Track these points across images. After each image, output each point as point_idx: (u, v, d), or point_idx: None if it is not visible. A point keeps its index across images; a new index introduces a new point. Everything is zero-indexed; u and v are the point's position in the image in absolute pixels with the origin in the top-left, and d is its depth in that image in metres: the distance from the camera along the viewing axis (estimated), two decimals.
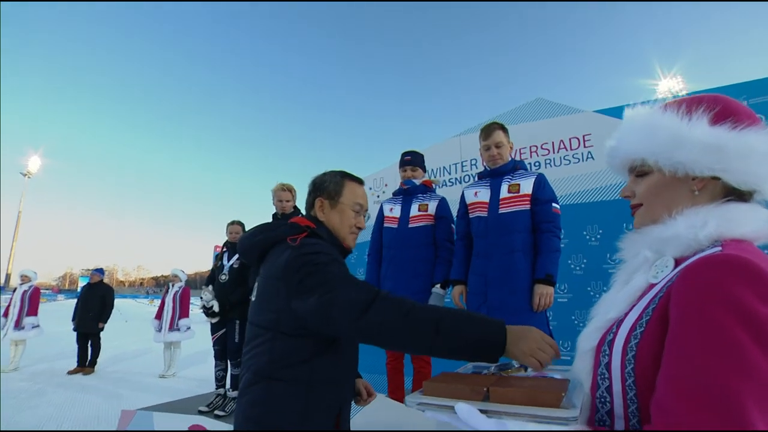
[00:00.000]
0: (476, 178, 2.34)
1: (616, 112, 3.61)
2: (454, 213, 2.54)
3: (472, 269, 2.18)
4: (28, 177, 34.40)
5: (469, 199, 2.27)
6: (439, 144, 4.84)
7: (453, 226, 2.51)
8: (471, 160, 4.55)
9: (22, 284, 6.02)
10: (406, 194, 2.65)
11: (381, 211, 2.79)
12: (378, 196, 5.41)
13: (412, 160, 2.67)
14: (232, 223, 3.78)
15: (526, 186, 2.06)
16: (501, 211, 2.08)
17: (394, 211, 2.65)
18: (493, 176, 2.19)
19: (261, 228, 1.22)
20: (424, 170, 2.74)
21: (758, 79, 3.15)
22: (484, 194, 2.18)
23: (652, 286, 0.63)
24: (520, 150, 4.09)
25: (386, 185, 5.36)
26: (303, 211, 1.38)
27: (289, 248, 1.09)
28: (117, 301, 6.42)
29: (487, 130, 2.20)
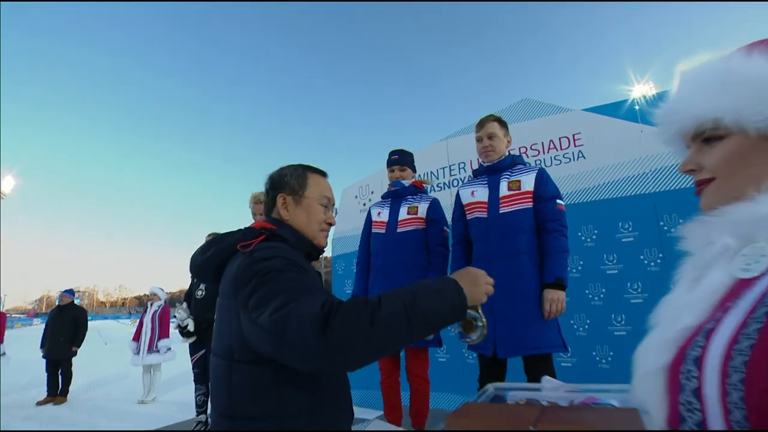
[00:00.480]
0: (471, 177, 2.18)
1: (606, 110, 3.54)
2: (448, 217, 2.39)
3: None
4: (2, 198, 33.15)
5: (466, 199, 2.10)
6: (425, 148, 4.72)
7: (446, 229, 2.35)
8: (459, 163, 4.44)
9: None
10: (395, 197, 2.47)
11: (369, 216, 2.61)
12: (364, 204, 5.25)
13: (399, 159, 2.49)
14: (210, 235, 3.55)
15: (528, 182, 1.91)
16: (502, 210, 1.91)
17: (381, 215, 2.47)
18: (490, 173, 2.03)
19: (212, 241, 1.06)
20: (414, 170, 2.56)
21: None
22: (482, 193, 2.01)
23: (744, 282, 0.47)
24: (509, 152, 4.00)
25: (372, 192, 5.22)
26: None
27: (241, 257, 0.93)
28: (97, 323, 6.08)
29: (481, 122, 2.06)
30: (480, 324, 0.93)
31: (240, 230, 1.06)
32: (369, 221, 2.58)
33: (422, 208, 2.34)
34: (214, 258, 1.01)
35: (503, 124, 2.06)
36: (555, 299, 1.74)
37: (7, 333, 5.87)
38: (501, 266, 1.85)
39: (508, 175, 1.97)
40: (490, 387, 0.76)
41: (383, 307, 0.75)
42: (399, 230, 2.34)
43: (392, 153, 2.54)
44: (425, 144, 4.95)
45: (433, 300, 0.79)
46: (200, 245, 1.08)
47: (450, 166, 4.50)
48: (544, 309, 1.75)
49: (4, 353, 5.58)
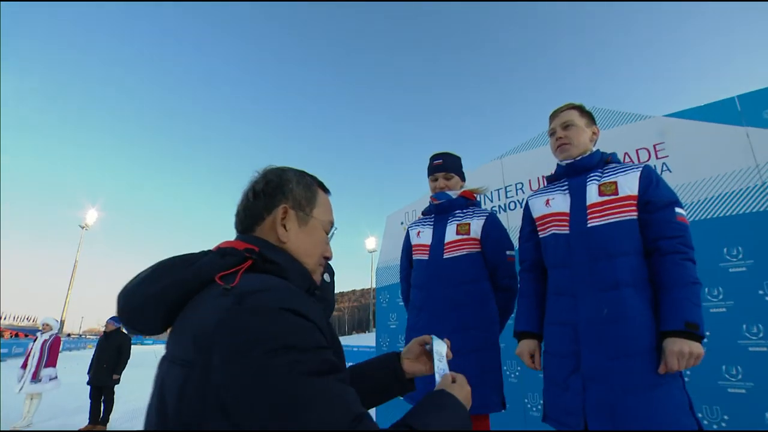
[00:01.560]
0: (545, 183, 1.68)
1: (696, 114, 2.97)
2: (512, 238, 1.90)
3: (551, 316, 1.47)
4: (86, 229, 36.31)
5: (539, 210, 1.58)
6: (478, 168, 4.31)
7: (510, 253, 1.83)
8: (516, 184, 3.98)
9: (43, 333, 5.78)
10: (439, 212, 1.97)
11: (407, 238, 2.12)
12: None
13: (444, 164, 1.96)
14: None
15: (628, 184, 1.37)
16: (591, 223, 1.38)
17: (422, 236, 1.96)
18: (571, 174, 1.51)
19: (162, 267, 0.69)
20: (463, 178, 2.03)
21: None
22: (561, 202, 1.49)
23: None
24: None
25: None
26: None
27: (220, 299, 0.59)
28: (156, 348, 6.03)
29: (554, 112, 1.60)
30: None
31: (208, 252, 0.72)
32: (408, 245, 2.09)
33: (476, 226, 1.83)
34: (169, 294, 0.66)
35: (585, 112, 1.57)
36: (686, 353, 1.14)
37: (77, 353, 5.97)
38: (593, 302, 1.32)
39: (598, 176, 1.44)
40: None
41: None
42: (446, 255, 1.82)
43: (434, 157, 2.01)
44: (478, 163, 4.52)
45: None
46: (140, 272, 0.70)
47: (506, 188, 4.05)
48: (670, 364, 1.17)
49: (56, 377, 5.64)
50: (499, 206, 4.07)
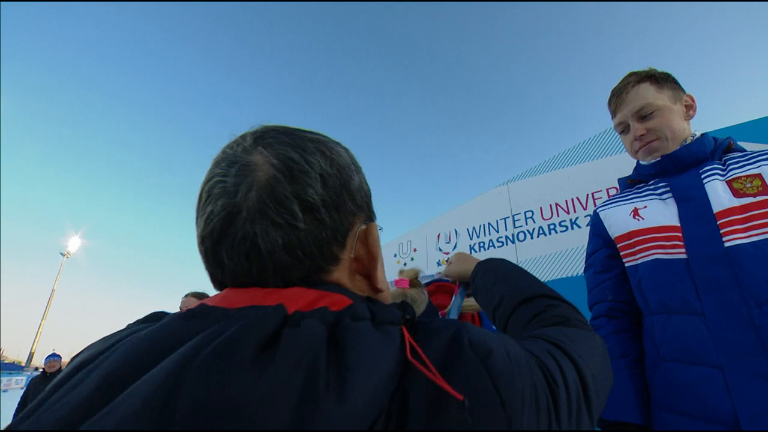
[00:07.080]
0: (622, 186, 1.11)
1: (740, 132, 2.60)
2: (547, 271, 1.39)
3: (673, 399, 0.81)
4: (67, 257, 34.94)
5: (623, 226, 0.99)
6: (482, 195, 3.90)
7: None
8: (525, 212, 3.54)
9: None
10: None
11: None
12: (405, 264, 4.37)
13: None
14: (188, 295, 2.42)
15: None
16: (731, 241, 0.80)
17: None
18: (670, 171, 0.96)
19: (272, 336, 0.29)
20: None
21: None
22: (661, 211, 0.92)
23: None
24: (592, 194, 3.06)
25: (415, 250, 4.40)
26: None
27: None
28: None
29: (616, 93, 1.03)
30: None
31: (361, 303, 0.36)
32: None
33: None
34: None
35: (663, 80, 0.98)
36: None
37: None
38: (760, 381, 0.71)
39: (720, 169, 0.88)
40: None
41: None
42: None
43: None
44: (482, 189, 4.11)
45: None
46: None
47: (514, 216, 3.61)
48: None
49: None
50: (506, 237, 3.62)
